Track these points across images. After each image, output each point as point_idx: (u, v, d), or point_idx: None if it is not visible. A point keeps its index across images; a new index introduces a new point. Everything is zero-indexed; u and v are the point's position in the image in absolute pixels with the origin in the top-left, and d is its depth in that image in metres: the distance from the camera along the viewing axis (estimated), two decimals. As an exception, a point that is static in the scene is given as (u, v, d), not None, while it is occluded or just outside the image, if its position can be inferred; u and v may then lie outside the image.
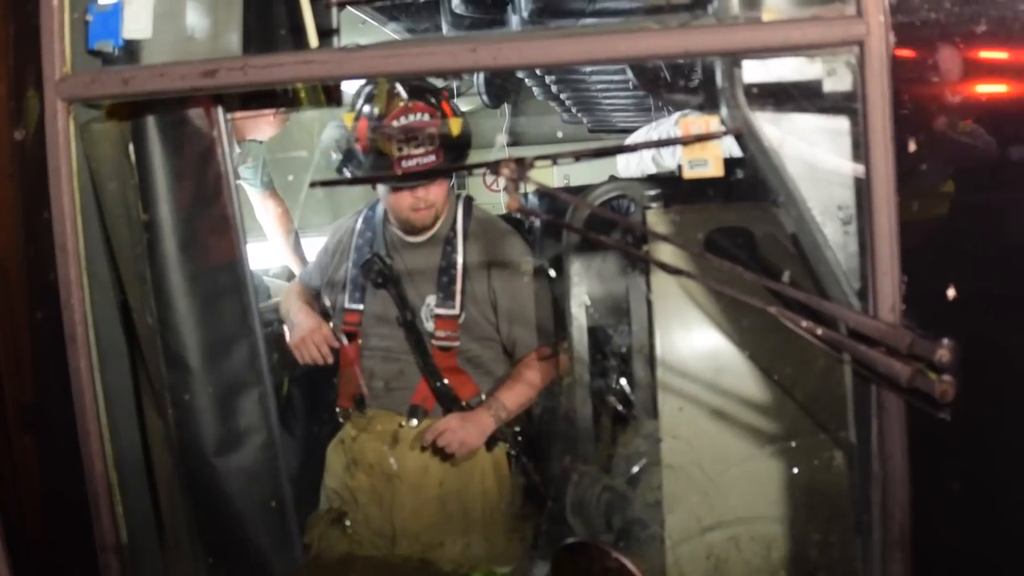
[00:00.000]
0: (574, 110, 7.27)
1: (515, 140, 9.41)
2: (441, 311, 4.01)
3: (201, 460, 2.82)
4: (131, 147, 2.66)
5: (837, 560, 2.89)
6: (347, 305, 4.15)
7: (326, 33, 2.84)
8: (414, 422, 4.05)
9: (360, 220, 4.26)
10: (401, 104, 3.67)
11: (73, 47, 2.41)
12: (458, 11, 4.28)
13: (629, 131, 8.20)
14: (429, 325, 4.03)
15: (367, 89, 3.76)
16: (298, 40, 2.82)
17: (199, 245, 2.77)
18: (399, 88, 3.71)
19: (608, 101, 6.84)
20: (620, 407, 3.62)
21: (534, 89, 6.69)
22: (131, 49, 2.59)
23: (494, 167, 2.20)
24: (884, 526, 2.18)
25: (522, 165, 2.17)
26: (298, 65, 2.28)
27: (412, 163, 3.68)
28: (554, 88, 6.28)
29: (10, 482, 2.58)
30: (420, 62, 2.26)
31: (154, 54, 2.60)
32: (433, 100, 3.78)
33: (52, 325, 2.45)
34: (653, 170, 5.63)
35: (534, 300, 4.14)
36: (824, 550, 2.98)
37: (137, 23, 2.52)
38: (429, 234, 4.10)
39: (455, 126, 3.77)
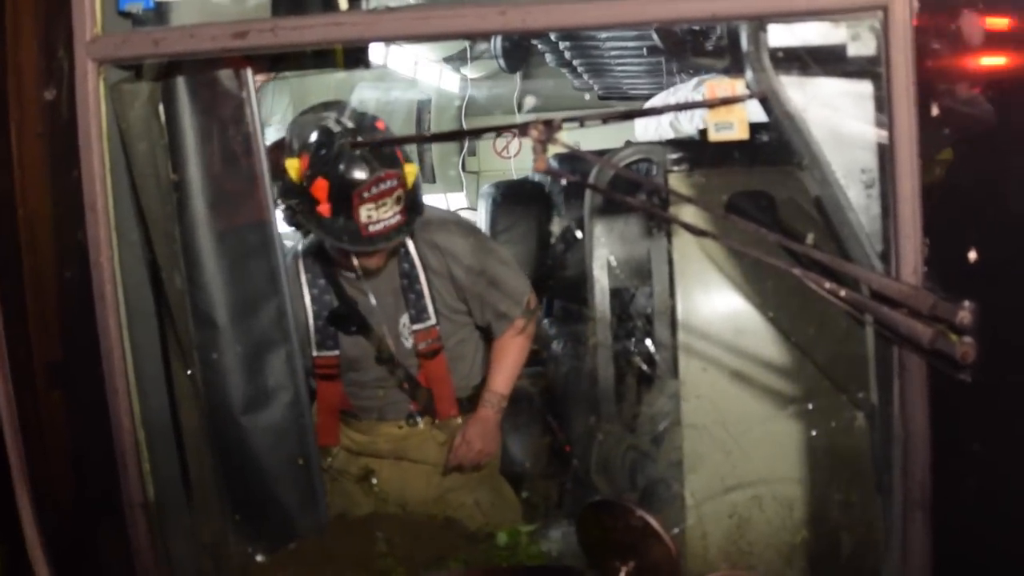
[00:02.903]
0: (585, 76, 7.23)
1: (519, 107, 9.38)
2: (418, 326, 3.99)
3: (229, 418, 2.86)
4: (161, 107, 2.67)
5: (858, 520, 2.92)
6: (318, 353, 4.02)
7: (355, -4, 2.85)
8: (412, 421, 4.10)
9: (301, 268, 4.00)
10: (374, 176, 3.47)
11: (104, 8, 2.42)
12: None
13: (639, 98, 8.21)
14: (408, 343, 4.01)
15: (321, 146, 3.51)
16: (327, 4, 2.83)
17: (228, 205, 2.79)
18: (365, 158, 3.50)
19: (620, 67, 6.80)
20: (643, 368, 3.65)
21: (546, 55, 6.62)
22: (160, 11, 2.60)
23: (523, 129, 2.22)
24: (905, 486, 2.21)
25: (550, 127, 2.19)
26: (328, 27, 2.31)
27: (379, 227, 3.53)
28: (567, 54, 6.23)
29: (37, 439, 2.60)
30: (449, 24, 2.28)
31: (182, 16, 2.62)
32: (395, 158, 3.61)
33: (81, 284, 2.46)
34: (671, 135, 5.63)
35: (500, 276, 4.10)
36: (845, 510, 3.01)
37: None
38: (381, 263, 3.92)
39: (411, 174, 3.61)
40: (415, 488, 4.09)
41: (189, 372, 2.85)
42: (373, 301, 3.92)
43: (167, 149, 2.70)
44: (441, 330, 4.00)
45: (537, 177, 6.61)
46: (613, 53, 6.25)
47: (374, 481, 4.04)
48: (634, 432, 3.56)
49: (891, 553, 2.37)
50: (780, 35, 2.43)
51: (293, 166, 3.50)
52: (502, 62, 6.44)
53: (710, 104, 2.51)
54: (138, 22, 2.58)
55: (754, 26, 2.45)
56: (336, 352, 3.99)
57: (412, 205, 3.64)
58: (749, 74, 2.57)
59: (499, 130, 2.54)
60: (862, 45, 2.32)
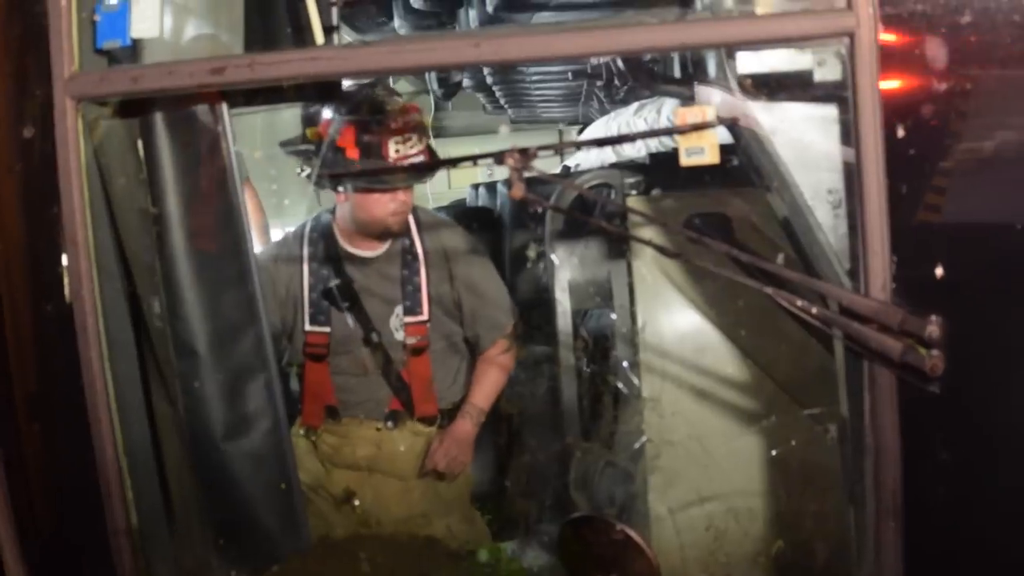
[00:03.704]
0: (503, 102, 7.22)
1: (437, 132, 9.30)
2: (410, 319, 4.08)
3: (211, 445, 2.88)
4: (139, 142, 2.71)
5: (831, 529, 2.97)
6: (309, 328, 4.13)
7: (326, 31, 2.90)
8: (390, 424, 4.14)
9: (305, 243, 4.20)
10: (399, 105, 3.73)
11: (81, 46, 2.47)
12: (416, 6, 4.26)
13: (554, 123, 8.27)
14: (399, 334, 4.10)
15: (345, 102, 3.77)
16: (298, 38, 2.88)
17: (206, 236, 2.83)
18: (385, 98, 3.79)
19: (539, 92, 6.81)
20: (607, 388, 3.73)
21: (464, 81, 6.59)
22: (135, 48, 2.63)
23: (499, 157, 2.28)
24: (877, 495, 2.26)
25: (526, 155, 2.24)
26: (304, 62, 2.35)
27: (407, 162, 3.76)
28: (489, 79, 6.23)
29: (18, 470, 2.62)
30: (423, 57, 2.34)
31: (156, 53, 2.65)
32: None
33: (59, 317, 2.49)
34: (614, 159, 5.72)
35: (493, 292, 4.23)
36: (818, 520, 3.07)
37: (145, 22, 2.57)
38: (385, 247, 4.13)
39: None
40: (390, 510, 4.13)
41: (170, 401, 2.87)
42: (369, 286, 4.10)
43: (146, 183, 2.73)
44: (431, 329, 4.09)
45: (480, 201, 6.69)
46: (534, 78, 6.25)
47: (356, 502, 4.08)
48: (610, 449, 3.63)
49: (864, 561, 2.42)
50: (748, 61, 2.53)
51: (314, 131, 3.74)
52: (437, 89, 6.33)
53: (683, 130, 2.57)
54: (113, 60, 2.62)
55: (720, 54, 2.53)
56: (327, 329, 4.09)
57: (432, 154, 3.88)
58: (716, 99, 2.64)
59: (475, 159, 2.59)
60: (828, 70, 2.40)
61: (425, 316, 4.07)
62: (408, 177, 3.84)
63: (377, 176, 3.81)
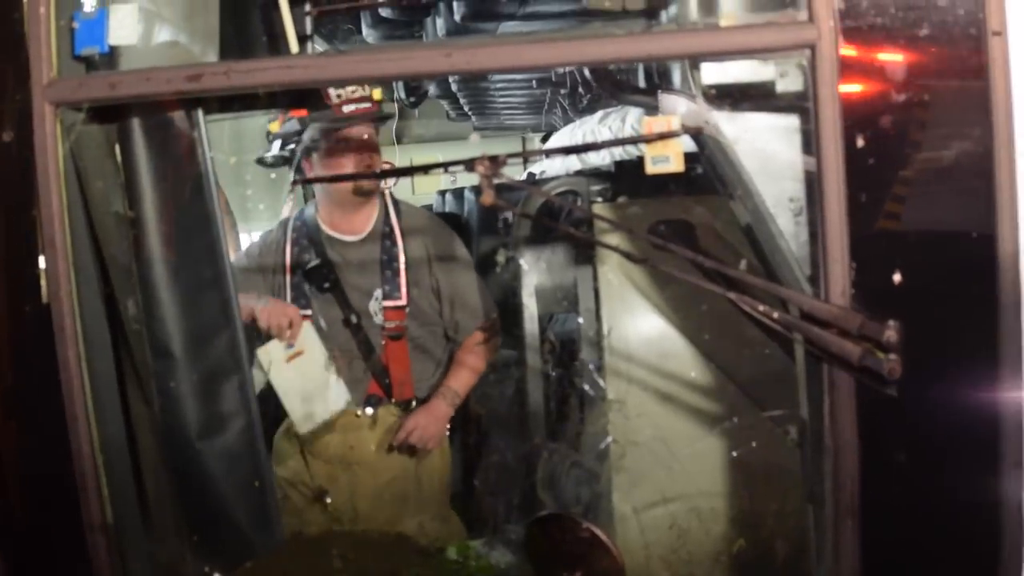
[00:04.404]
0: (467, 109, 7.26)
1: (401, 139, 9.33)
2: (389, 303, 4.18)
3: (186, 444, 2.91)
4: (116, 147, 2.75)
5: (790, 528, 3.05)
6: None
7: (300, 39, 2.95)
8: (369, 410, 4.22)
9: (290, 230, 4.34)
10: None
11: (59, 52, 2.51)
12: (385, 15, 4.32)
13: (516, 130, 8.30)
14: (379, 318, 4.20)
15: None
16: (273, 46, 2.93)
17: (182, 239, 2.87)
18: None
19: (503, 100, 6.85)
20: (574, 390, 3.79)
21: (429, 88, 6.62)
22: (112, 55, 2.67)
23: (469, 164, 2.34)
24: (836, 495, 2.32)
25: (496, 162, 2.31)
26: (280, 70, 2.40)
27: (351, 107, 3.94)
28: (454, 87, 6.27)
29: (-6, 468, 2.67)
30: (397, 66, 2.39)
31: (133, 60, 2.69)
32: None
33: (35, 317, 2.54)
34: (579, 166, 5.79)
35: (472, 284, 4.34)
36: (778, 519, 3.13)
37: (122, 30, 2.60)
38: (366, 231, 4.28)
39: (375, 93, 4.01)
40: (367, 503, 4.21)
41: (146, 400, 2.91)
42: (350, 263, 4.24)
43: (123, 187, 2.77)
44: (410, 315, 4.20)
45: (448, 207, 6.75)
46: (499, 86, 6.29)
47: (328, 500, 4.14)
48: (577, 450, 3.69)
49: (823, 559, 2.47)
50: (712, 72, 2.59)
51: (276, 123, 4.02)
52: (403, 96, 6.36)
53: (649, 139, 2.63)
54: (92, 66, 2.65)
55: (685, 65, 2.59)
56: (308, 312, 4.20)
57: (380, 109, 4.06)
58: (681, 108, 2.71)
59: (446, 166, 2.64)
60: (790, 81, 2.46)
61: (404, 301, 4.18)
62: (360, 118, 4.03)
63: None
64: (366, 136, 4.10)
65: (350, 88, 3.92)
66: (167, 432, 2.93)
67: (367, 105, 3.98)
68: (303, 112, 3.97)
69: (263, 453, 3.13)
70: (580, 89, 4.72)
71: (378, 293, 4.20)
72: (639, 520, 3.34)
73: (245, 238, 5.77)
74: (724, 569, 3.34)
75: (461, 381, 4.31)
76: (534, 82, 5.75)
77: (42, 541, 2.73)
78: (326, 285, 4.21)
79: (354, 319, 4.20)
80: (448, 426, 4.33)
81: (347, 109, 3.96)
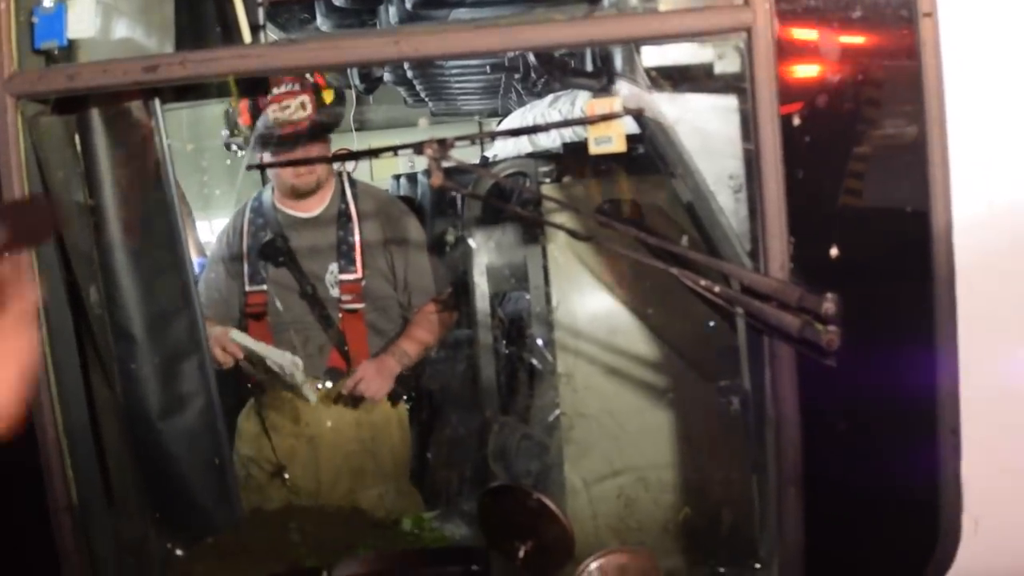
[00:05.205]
0: (423, 95, 7.32)
1: (360, 125, 9.37)
2: (345, 276, 4.28)
3: (147, 424, 3.00)
4: (76, 137, 2.81)
5: (735, 497, 3.14)
6: (249, 288, 4.36)
7: (253, 29, 3.02)
8: (329, 384, 4.30)
9: (248, 211, 4.47)
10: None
11: (19, 46, 2.55)
12: (338, 4, 4.37)
13: (473, 115, 8.36)
14: (335, 291, 4.29)
15: None
16: (227, 36, 2.99)
17: (141, 226, 2.93)
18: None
19: (458, 86, 6.92)
20: (524, 365, 3.88)
21: (385, 74, 6.58)
22: (71, 48, 2.71)
23: (417, 148, 2.43)
24: (779, 464, 2.40)
25: (444, 145, 2.40)
26: (234, 59, 2.48)
27: (289, 129, 4.08)
28: (409, 74, 6.33)
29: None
30: (346, 54, 2.49)
31: (91, 53, 2.74)
32: (307, 81, 4.14)
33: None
34: (530, 149, 5.86)
35: (425, 258, 4.46)
36: (723, 488, 3.23)
37: (80, 23, 2.65)
38: (320, 209, 4.39)
39: (327, 96, 4.17)
40: (326, 479, 4.30)
41: (108, 383, 2.97)
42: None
43: (83, 176, 2.84)
44: (365, 289, 4.30)
45: (402, 191, 6.84)
46: (454, 71, 6.36)
47: (286, 476, 4.22)
48: (527, 423, 3.77)
49: (767, 525, 2.59)
50: (652, 55, 2.67)
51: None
52: (358, 84, 6.40)
53: (591, 120, 2.70)
54: (51, 59, 2.69)
55: (628, 48, 2.67)
56: (264, 287, 4.32)
57: (323, 119, 4.18)
58: (624, 91, 2.79)
59: (395, 150, 2.72)
60: (728, 63, 2.54)
61: (359, 274, 4.28)
62: (298, 141, 4.15)
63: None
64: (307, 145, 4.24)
65: (285, 106, 4.08)
66: (129, 413, 3.00)
67: (301, 120, 4.10)
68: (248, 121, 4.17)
69: (223, 432, 3.22)
70: (532, 73, 4.77)
71: (334, 267, 4.31)
72: (588, 490, 3.43)
73: (203, 225, 5.82)
74: (671, 537, 3.43)
75: (410, 341, 4.40)
76: (488, 67, 5.79)
77: (8, 522, 2.78)
78: (280, 259, 4.32)
79: (310, 290, 4.29)
80: (405, 397, 4.44)
81: (285, 132, 4.10)
